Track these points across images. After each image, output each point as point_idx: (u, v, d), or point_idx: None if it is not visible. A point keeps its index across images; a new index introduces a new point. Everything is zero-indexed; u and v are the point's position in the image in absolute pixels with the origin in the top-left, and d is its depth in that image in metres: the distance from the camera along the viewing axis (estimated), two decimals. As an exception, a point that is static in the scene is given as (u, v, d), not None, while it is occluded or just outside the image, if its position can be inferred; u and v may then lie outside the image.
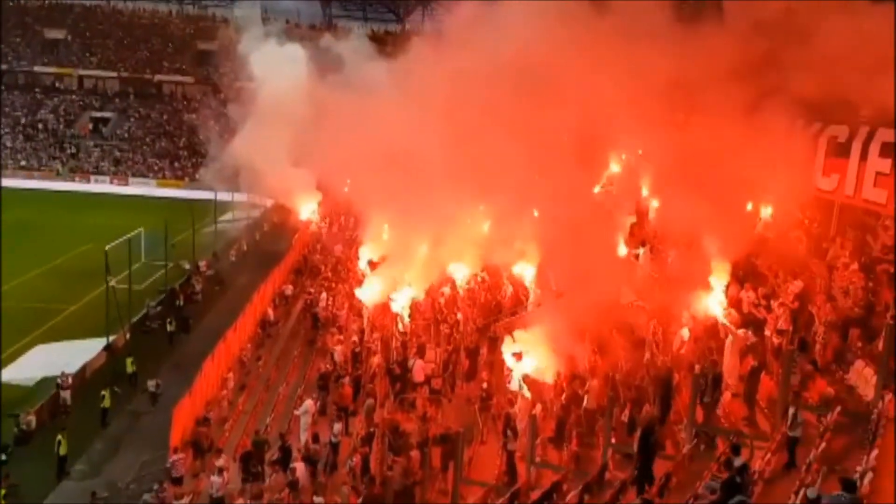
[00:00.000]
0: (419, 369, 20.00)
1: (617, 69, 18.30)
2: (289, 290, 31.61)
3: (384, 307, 23.72)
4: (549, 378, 16.90)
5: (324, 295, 28.00)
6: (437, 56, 24.12)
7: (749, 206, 20.65)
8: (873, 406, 12.02)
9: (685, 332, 17.36)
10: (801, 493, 9.05)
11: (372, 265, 26.44)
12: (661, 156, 20.14)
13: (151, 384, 23.71)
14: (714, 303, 16.63)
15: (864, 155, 16.52)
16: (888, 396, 11.81)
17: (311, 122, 31.48)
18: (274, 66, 37.09)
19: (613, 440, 14.71)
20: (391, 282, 23.71)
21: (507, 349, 17.35)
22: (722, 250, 17.24)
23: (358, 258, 28.53)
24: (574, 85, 19.06)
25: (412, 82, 24.79)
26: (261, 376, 24.43)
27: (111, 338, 26.97)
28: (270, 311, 28.89)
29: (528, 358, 16.76)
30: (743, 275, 18.30)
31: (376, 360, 21.12)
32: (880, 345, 12.93)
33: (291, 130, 33.81)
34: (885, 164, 15.87)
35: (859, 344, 13.94)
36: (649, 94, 18.02)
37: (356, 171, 27.71)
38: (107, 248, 28.20)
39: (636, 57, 17.93)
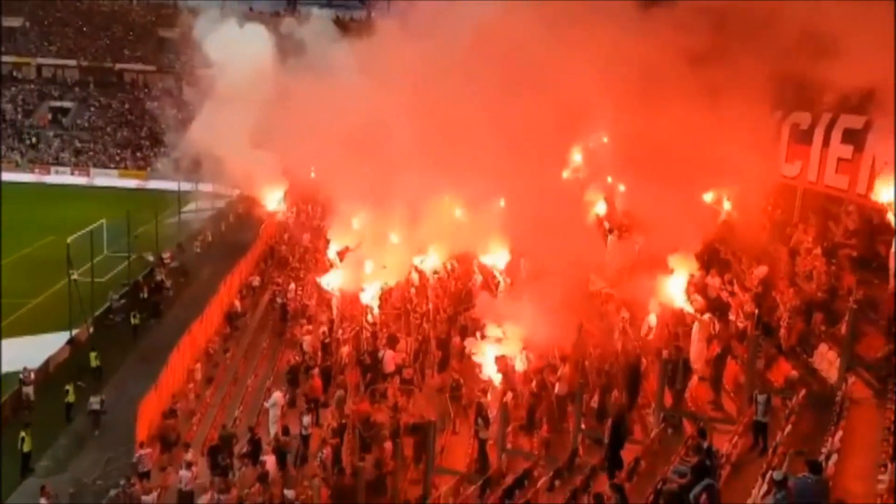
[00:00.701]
0: (390, 359, 19.93)
1: (582, 54, 18.26)
2: (256, 280, 31.25)
3: (353, 297, 23.59)
4: (519, 366, 16.89)
5: (292, 285, 27.75)
6: (402, 39, 23.88)
7: (713, 193, 20.80)
8: (837, 388, 12.23)
9: (652, 319, 17.49)
10: (768, 475, 9.16)
11: (341, 254, 26.25)
12: (626, 142, 20.15)
13: (95, 402, 20.82)
14: (678, 290, 16.74)
15: (826, 141, 16.71)
16: (851, 379, 12.02)
17: (275, 108, 30.99)
18: (234, 49, 36.18)
19: (583, 426, 14.80)
20: (361, 271, 23.55)
21: (478, 339, 17.31)
22: (687, 237, 17.35)
23: (326, 247, 28.32)
24: (540, 69, 18.98)
25: (378, 66, 24.51)
26: (229, 368, 24.10)
27: (74, 331, 26.37)
28: (237, 303, 28.52)
29: (499, 346, 16.73)
30: (708, 260, 18.48)
31: (346, 350, 21.01)
32: (843, 328, 13.11)
33: (254, 116, 33.22)
34: (847, 151, 16.03)
35: (823, 328, 14.13)
36: (614, 79, 18.03)
37: (322, 157, 27.40)
38: (68, 240, 27.54)
39: (600, 41, 17.90)
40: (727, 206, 20.67)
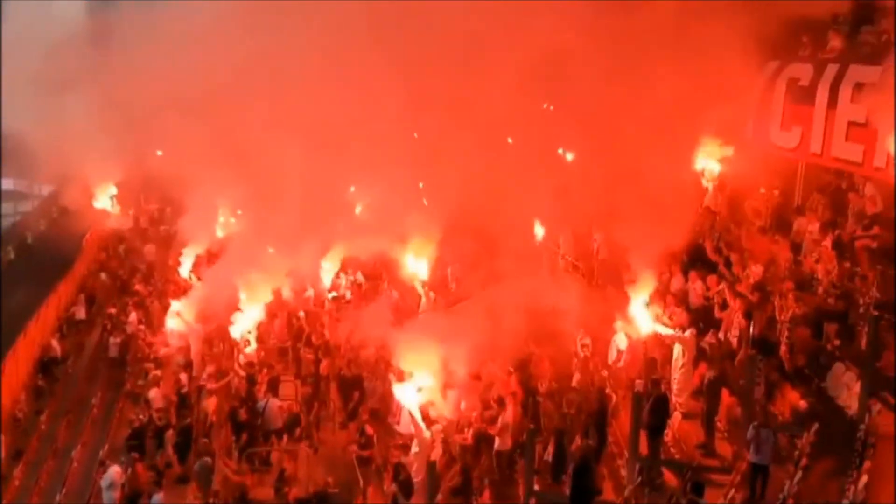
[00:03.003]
0: (274, 411, 19.73)
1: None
2: (80, 312, 30.39)
3: (221, 328, 23.19)
4: (448, 411, 16.93)
5: (132, 316, 27.07)
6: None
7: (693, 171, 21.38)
8: (859, 421, 12.64)
9: (621, 340, 17.84)
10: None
11: (198, 269, 25.83)
12: (578, 105, 20.43)
13: None
14: (644, 304, 17.11)
15: (832, 101, 17.28)
16: (876, 407, 12.46)
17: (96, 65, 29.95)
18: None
19: (537, 486, 14.91)
20: (230, 292, 23.22)
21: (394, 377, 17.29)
22: (661, 230, 17.74)
23: (179, 262, 27.75)
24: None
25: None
26: (44, 437, 23.28)
27: None
28: (55, 344, 27.57)
29: (421, 386, 16.73)
30: (689, 261, 18.94)
31: (213, 403, 20.63)
32: (863, 342, 13.59)
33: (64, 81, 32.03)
34: (860, 112, 16.23)
35: (837, 342, 14.62)
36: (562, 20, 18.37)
37: (170, 133, 26.67)
38: None
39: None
40: (710, 187, 21.32)
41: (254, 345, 22.73)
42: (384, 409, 19.24)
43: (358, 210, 26.23)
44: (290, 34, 22.13)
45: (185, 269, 27.41)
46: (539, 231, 23.58)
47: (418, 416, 16.21)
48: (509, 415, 16.43)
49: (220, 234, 27.85)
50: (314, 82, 21.58)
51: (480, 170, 20.27)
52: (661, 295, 17.77)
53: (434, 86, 20.18)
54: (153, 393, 21.65)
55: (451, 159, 20.42)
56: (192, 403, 21.23)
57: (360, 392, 20.49)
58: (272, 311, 24.56)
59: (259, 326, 23.41)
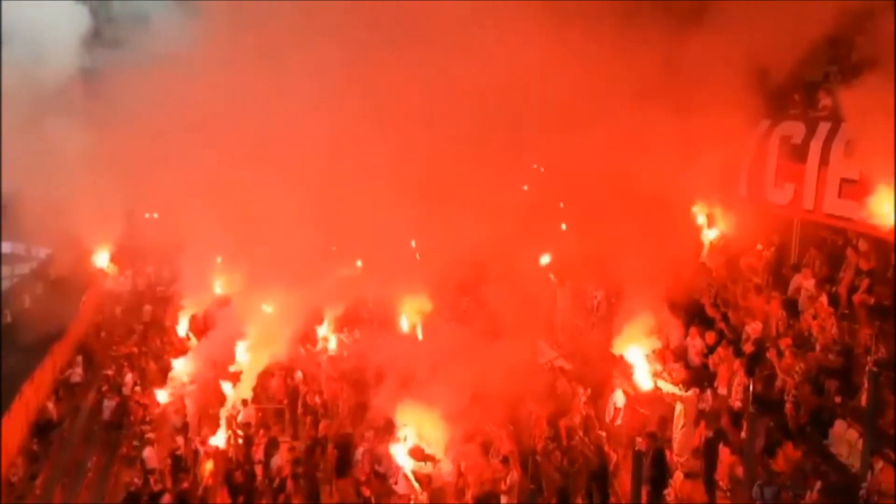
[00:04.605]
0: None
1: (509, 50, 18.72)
2: (76, 375, 30.21)
3: (216, 389, 23.10)
4: (446, 473, 16.80)
5: (129, 377, 26.95)
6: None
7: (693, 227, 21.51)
8: (861, 478, 12.54)
9: (619, 397, 17.75)
10: None
11: (196, 326, 25.77)
12: (573, 167, 20.55)
13: None
14: (645, 361, 17.07)
15: (824, 158, 17.47)
16: (879, 464, 12.36)
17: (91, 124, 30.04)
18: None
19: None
20: (227, 352, 23.19)
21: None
22: (660, 287, 17.79)
23: (177, 321, 27.71)
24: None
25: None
26: (39, 501, 22.94)
27: None
28: (51, 407, 27.39)
29: (418, 446, 16.65)
30: (688, 317, 18.93)
31: (209, 466, 20.46)
32: (863, 398, 13.55)
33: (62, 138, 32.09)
34: (853, 168, 16.42)
35: (838, 400, 14.56)
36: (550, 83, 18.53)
37: (165, 192, 26.72)
38: None
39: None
40: (709, 243, 21.43)
41: (251, 405, 22.56)
42: (382, 470, 19.06)
43: (359, 264, 26.19)
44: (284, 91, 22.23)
45: (182, 329, 27.31)
46: (537, 287, 23.55)
47: (412, 478, 16.11)
48: (515, 474, 16.30)
49: (218, 292, 27.76)
50: (308, 139, 21.64)
51: (480, 226, 20.32)
52: (660, 352, 17.73)
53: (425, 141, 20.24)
54: (147, 453, 21.51)
55: (446, 217, 20.44)
56: (189, 466, 21.03)
57: (356, 452, 20.29)
58: (269, 371, 24.44)
59: (255, 387, 23.28)
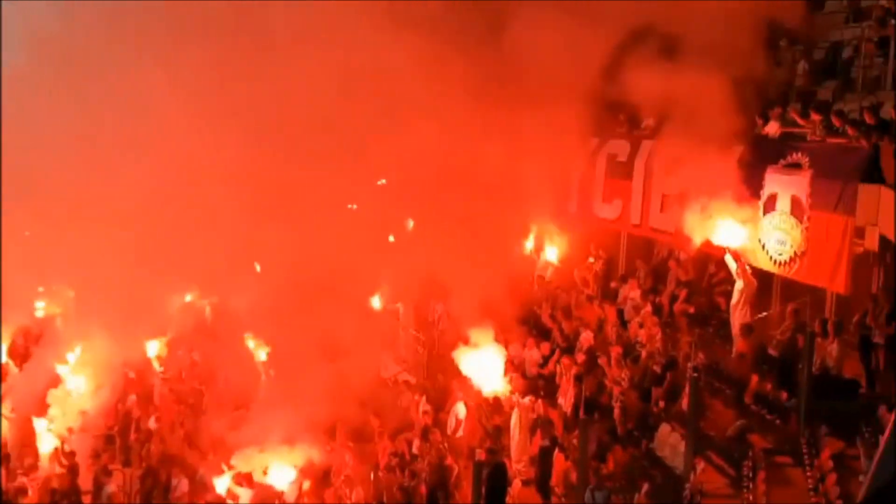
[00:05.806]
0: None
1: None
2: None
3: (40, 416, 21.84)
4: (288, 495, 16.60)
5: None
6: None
7: (527, 244, 22.08)
8: (685, 479, 13.11)
9: (460, 409, 17.97)
10: None
11: (16, 355, 24.23)
12: (411, 179, 20.56)
13: None
14: (485, 370, 17.33)
15: (648, 174, 18.32)
16: (700, 465, 13.01)
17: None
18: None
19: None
20: (50, 378, 22.00)
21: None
22: (496, 299, 18.08)
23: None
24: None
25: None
26: None
27: None
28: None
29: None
30: (525, 329, 19.39)
31: (31, 498, 19.38)
32: (684, 403, 14.23)
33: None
34: (672, 184, 16.93)
35: (662, 405, 15.24)
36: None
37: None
38: None
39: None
40: (543, 258, 22.02)
41: (77, 433, 21.44)
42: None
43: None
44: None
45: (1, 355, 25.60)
46: (377, 302, 23.55)
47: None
48: (360, 494, 16.24)
49: (40, 315, 26.11)
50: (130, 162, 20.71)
51: (316, 239, 20.05)
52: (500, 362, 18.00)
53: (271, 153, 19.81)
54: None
55: (284, 229, 20.04)
56: (11, 500, 19.82)
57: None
58: (98, 395, 23.13)
59: (83, 413, 22.07)
